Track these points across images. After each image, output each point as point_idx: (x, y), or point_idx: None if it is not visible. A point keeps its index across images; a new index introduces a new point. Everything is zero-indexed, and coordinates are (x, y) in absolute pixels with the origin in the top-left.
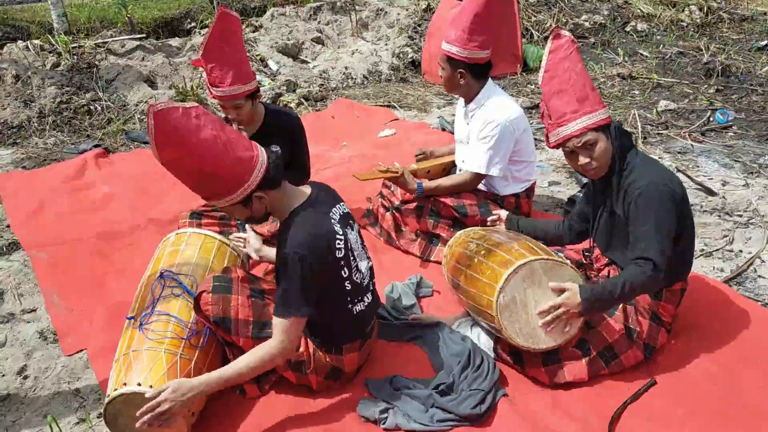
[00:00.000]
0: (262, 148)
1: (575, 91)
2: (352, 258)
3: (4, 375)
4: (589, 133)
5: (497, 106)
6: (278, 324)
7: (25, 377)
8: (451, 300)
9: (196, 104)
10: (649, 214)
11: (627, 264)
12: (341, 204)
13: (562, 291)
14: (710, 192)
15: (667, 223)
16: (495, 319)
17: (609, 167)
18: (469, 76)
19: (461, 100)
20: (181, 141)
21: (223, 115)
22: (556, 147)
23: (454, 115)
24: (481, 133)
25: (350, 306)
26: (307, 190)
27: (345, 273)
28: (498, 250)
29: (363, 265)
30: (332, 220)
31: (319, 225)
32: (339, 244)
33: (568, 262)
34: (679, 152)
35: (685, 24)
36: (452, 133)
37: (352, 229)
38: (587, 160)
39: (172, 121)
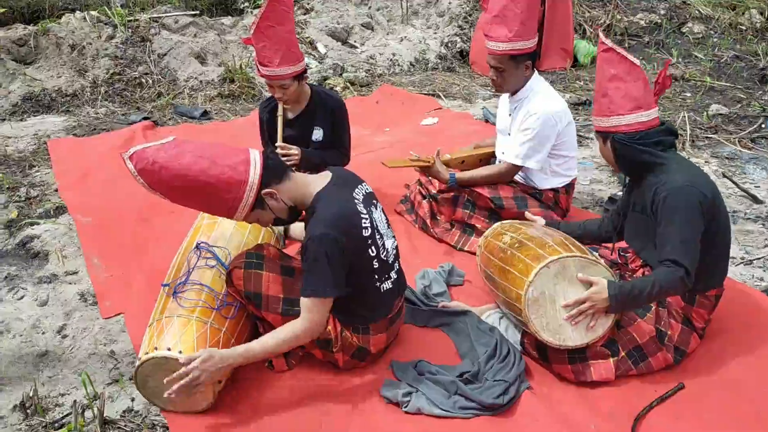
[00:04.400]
0: (254, 149)
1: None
2: (378, 236)
3: (44, 333)
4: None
5: (542, 99)
6: (305, 303)
7: (64, 336)
8: (481, 290)
9: (172, 138)
10: (675, 217)
11: (655, 265)
12: (363, 184)
13: (590, 285)
14: (755, 199)
15: (694, 227)
16: (522, 313)
17: (643, 166)
18: (531, 66)
19: None
20: (163, 170)
21: (269, 94)
22: None
23: (497, 106)
24: (523, 124)
25: (378, 284)
26: (326, 175)
27: (372, 252)
28: (531, 244)
29: (389, 244)
30: (356, 200)
31: (343, 205)
32: (365, 223)
33: (602, 261)
34: (726, 158)
35: (744, 28)
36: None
37: (376, 208)
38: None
39: (149, 156)
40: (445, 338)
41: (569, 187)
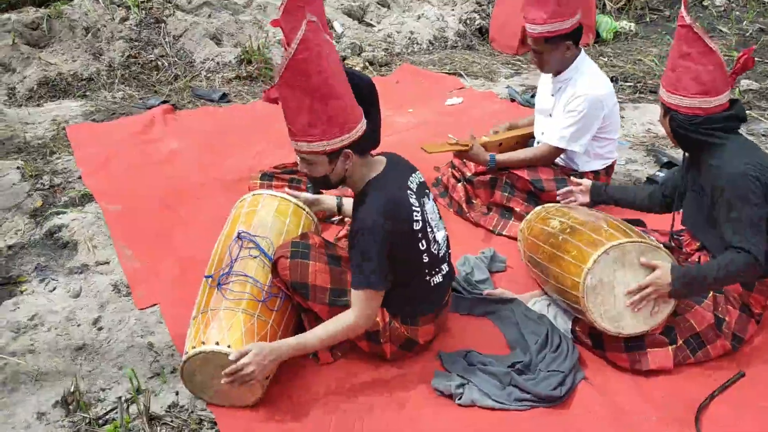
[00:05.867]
0: None
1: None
2: (429, 229)
3: (79, 325)
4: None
5: (588, 81)
6: (356, 296)
7: (100, 328)
8: (525, 276)
9: None
10: (738, 202)
11: (716, 248)
12: (416, 173)
13: (652, 269)
14: None
15: (759, 210)
16: (580, 301)
17: (699, 145)
18: (573, 46)
19: None
20: (324, 52)
21: None
22: None
23: (522, 85)
24: (568, 106)
25: (428, 278)
26: (382, 160)
27: (423, 245)
28: (584, 229)
29: (440, 236)
30: (408, 191)
31: (396, 197)
32: (416, 216)
33: (662, 246)
34: (763, 135)
35: (766, 0)
36: (522, 104)
37: (428, 199)
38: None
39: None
40: (491, 327)
41: (609, 168)
